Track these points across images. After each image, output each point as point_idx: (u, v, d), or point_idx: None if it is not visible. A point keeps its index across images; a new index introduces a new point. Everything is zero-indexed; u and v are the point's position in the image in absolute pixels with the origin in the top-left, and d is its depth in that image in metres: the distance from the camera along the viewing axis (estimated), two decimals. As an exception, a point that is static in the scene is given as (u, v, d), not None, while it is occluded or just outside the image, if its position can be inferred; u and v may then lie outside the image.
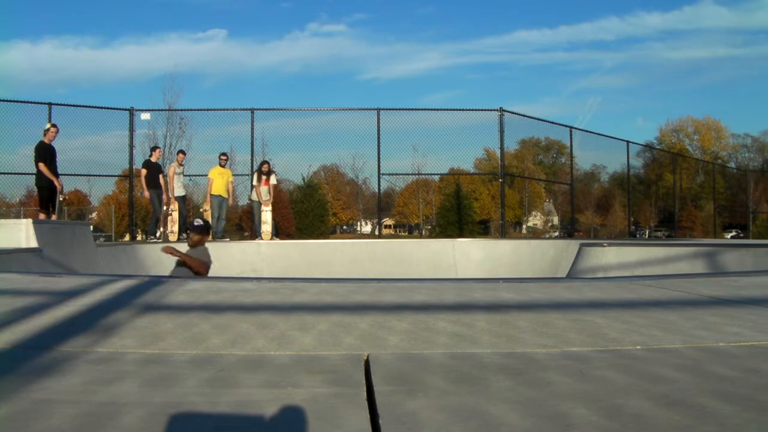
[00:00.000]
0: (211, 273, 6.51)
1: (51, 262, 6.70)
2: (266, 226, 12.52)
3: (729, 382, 1.49)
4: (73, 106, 14.15)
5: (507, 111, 15.08)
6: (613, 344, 1.94)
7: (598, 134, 19.74)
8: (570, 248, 10.80)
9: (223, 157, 12.63)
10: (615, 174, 31.68)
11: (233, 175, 13.32)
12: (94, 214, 35.45)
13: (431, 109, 17.37)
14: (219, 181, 12.41)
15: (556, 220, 53.23)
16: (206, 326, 2.21)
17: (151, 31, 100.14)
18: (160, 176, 11.84)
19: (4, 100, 13.39)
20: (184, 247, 6.47)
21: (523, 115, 16.41)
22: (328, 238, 24.46)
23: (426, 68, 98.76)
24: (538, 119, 17.31)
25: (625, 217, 24.20)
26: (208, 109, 16.08)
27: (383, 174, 15.38)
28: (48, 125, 9.19)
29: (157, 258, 10.46)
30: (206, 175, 13.17)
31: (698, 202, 35.42)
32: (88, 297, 2.94)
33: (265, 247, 11.86)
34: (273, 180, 12.98)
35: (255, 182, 12.74)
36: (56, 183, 8.80)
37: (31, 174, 9.60)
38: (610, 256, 9.21)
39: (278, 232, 13.84)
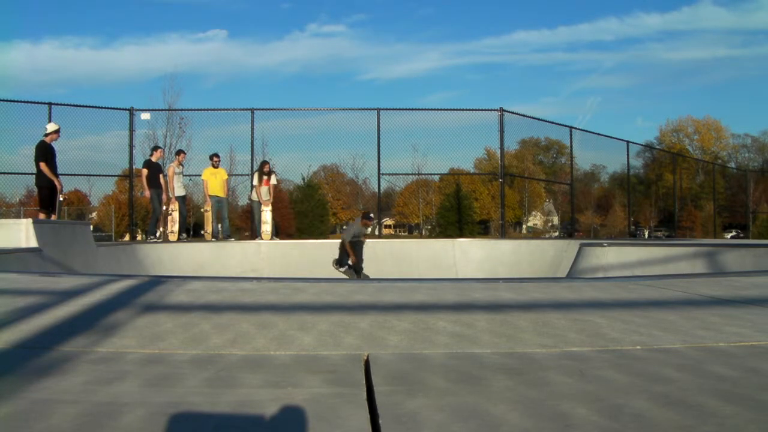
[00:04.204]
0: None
1: (51, 262, 6.70)
2: (266, 226, 12.52)
3: (729, 382, 1.49)
4: (73, 106, 14.16)
5: (507, 111, 15.08)
6: (613, 344, 1.94)
7: (598, 134, 19.75)
8: (570, 248, 10.80)
9: (216, 159, 12.63)
10: (615, 174, 31.68)
11: (232, 174, 13.31)
12: (94, 214, 35.44)
13: (431, 109, 17.42)
14: (214, 182, 12.42)
15: (556, 220, 53.23)
16: (206, 326, 2.21)
17: (151, 31, 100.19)
18: (161, 176, 11.84)
19: (4, 100, 13.40)
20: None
21: (523, 115, 16.41)
22: (328, 238, 24.44)
23: (426, 68, 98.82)
24: (538, 119, 17.31)
25: (625, 217, 24.21)
26: (208, 109, 16.09)
27: (383, 174, 15.38)
28: (55, 126, 9.14)
29: (156, 258, 10.47)
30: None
31: (698, 202, 35.47)
32: (88, 297, 2.94)
33: (265, 247, 11.86)
34: (273, 180, 12.98)
35: (255, 182, 12.73)
36: (56, 183, 8.79)
37: (31, 174, 9.60)
38: (610, 256, 9.21)
39: (278, 232, 13.85)
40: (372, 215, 11.91)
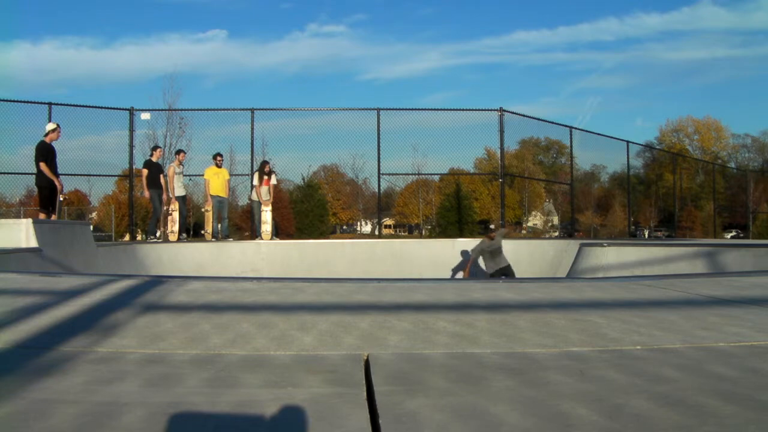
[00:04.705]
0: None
1: (51, 262, 6.70)
2: (266, 226, 12.52)
3: (729, 382, 1.49)
4: (74, 106, 14.15)
5: (507, 111, 15.08)
6: (613, 344, 1.94)
7: (598, 134, 19.73)
8: (570, 248, 10.81)
9: (219, 158, 12.64)
10: (615, 174, 31.70)
11: (232, 174, 13.31)
12: (94, 214, 35.42)
13: (431, 109, 17.40)
14: (216, 181, 12.41)
15: (556, 220, 53.23)
16: (206, 326, 2.21)
17: (151, 31, 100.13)
18: (161, 176, 11.84)
19: (4, 100, 13.39)
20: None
21: (523, 115, 16.41)
22: (328, 238, 24.45)
23: (426, 68, 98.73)
24: (538, 119, 17.30)
25: (625, 217, 24.20)
26: (208, 109, 16.09)
27: (383, 174, 15.37)
28: (54, 125, 9.13)
29: (156, 258, 10.47)
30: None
31: (698, 202, 35.50)
32: (88, 297, 2.94)
33: (265, 247, 11.86)
34: (273, 180, 12.98)
35: (255, 182, 12.73)
36: (57, 183, 8.79)
37: (31, 174, 9.60)
38: (610, 256, 9.21)
39: (278, 232, 13.84)
40: (492, 226, 10.53)
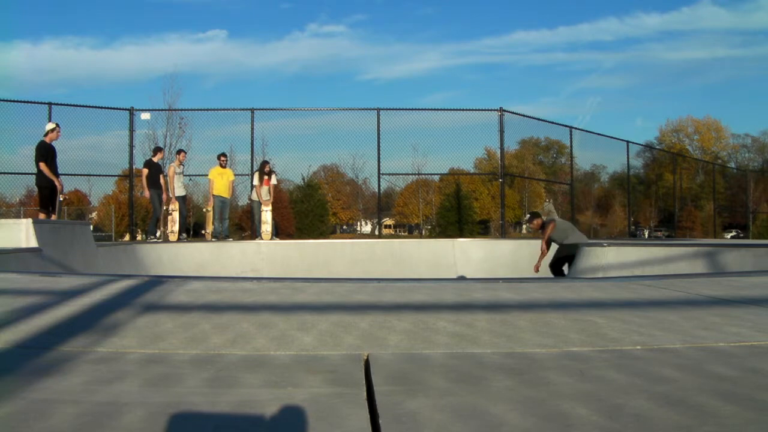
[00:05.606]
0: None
1: (51, 262, 6.70)
2: (266, 226, 12.53)
3: (729, 382, 1.49)
4: (74, 106, 14.18)
5: (507, 111, 15.09)
6: (613, 344, 1.94)
7: (598, 134, 19.77)
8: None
9: (223, 158, 12.66)
10: (615, 174, 31.69)
11: (234, 174, 13.34)
12: (94, 214, 35.43)
13: (431, 109, 17.39)
14: (220, 182, 12.42)
15: (556, 220, 53.13)
16: (207, 326, 2.21)
17: (151, 31, 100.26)
18: (161, 176, 11.85)
19: (4, 100, 13.41)
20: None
21: (523, 115, 16.42)
22: (328, 238, 24.46)
23: (426, 68, 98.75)
24: (538, 119, 17.32)
25: (625, 217, 24.20)
26: (208, 109, 16.11)
27: (383, 174, 15.38)
28: (53, 125, 9.13)
29: (156, 258, 10.47)
30: (206, 175, 13.18)
31: (698, 202, 35.51)
32: (88, 297, 2.94)
33: (265, 247, 11.86)
34: (273, 180, 12.99)
35: (255, 182, 12.74)
36: (57, 183, 8.79)
37: (31, 174, 9.60)
38: (610, 256, 9.20)
39: (278, 232, 13.84)
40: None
